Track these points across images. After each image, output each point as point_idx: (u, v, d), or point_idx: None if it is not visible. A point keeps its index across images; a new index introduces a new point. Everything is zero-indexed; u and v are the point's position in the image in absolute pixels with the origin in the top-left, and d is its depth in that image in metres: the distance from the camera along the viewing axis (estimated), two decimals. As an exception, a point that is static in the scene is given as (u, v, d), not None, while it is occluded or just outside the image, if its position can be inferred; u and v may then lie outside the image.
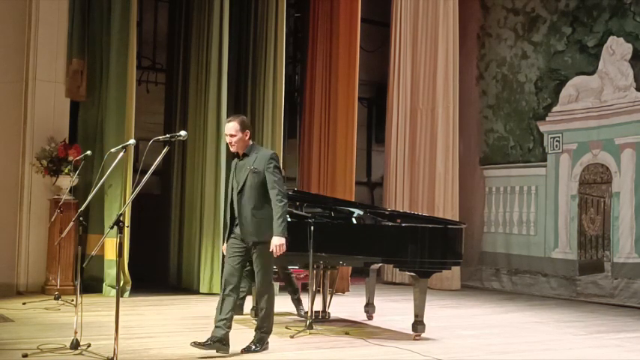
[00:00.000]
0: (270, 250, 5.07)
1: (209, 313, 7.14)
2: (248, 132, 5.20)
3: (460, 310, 8.53)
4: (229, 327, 5.13)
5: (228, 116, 9.15)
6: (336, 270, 7.53)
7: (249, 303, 7.00)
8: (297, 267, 7.49)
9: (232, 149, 5.27)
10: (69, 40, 8.65)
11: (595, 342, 6.43)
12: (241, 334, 6.20)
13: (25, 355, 4.82)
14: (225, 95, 9.03)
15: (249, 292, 7.14)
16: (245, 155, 5.23)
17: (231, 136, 5.16)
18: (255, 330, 5.35)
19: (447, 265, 6.44)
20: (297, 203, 7.15)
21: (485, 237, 11.20)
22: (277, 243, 5.05)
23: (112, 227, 4.26)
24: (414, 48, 11.14)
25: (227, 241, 5.30)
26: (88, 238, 8.39)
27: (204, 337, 5.65)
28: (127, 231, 8.07)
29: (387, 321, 7.12)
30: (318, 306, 6.90)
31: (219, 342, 5.07)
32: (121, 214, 4.29)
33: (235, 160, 5.32)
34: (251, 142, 5.26)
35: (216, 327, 5.11)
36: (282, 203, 5.08)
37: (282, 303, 7.96)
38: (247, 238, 5.17)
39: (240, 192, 5.18)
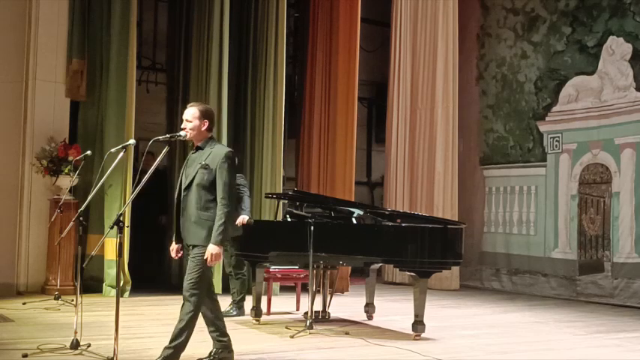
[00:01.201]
0: (205, 257, 4.52)
1: (209, 313, 7.15)
2: (207, 122, 4.70)
3: (460, 310, 8.53)
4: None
5: (228, 117, 9.19)
6: (336, 270, 7.53)
7: (249, 304, 7.00)
8: (297, 267, 7.51)
9: (184, 136, 4.77)
10: (69, 40, 8.65)
11: (595, 342, 6.43)
12: (242, 334, 6.21)
13: (25, 355, 4.82)
14: (226, 95, 9.03)
15: (248, 293, 7.15)
16: (199, 149, 4.72)
17: (187, 121, 4.69)
18: (165, 348, 4.60)
19: (447, 265, 6.44)
20: (297, 203, 7.15)
21: (485, 237, 11.20)
22: (213, 252, 4.48)
23: (112, 227, 4.25)
24: (414, 48, 11.14)
25: (181, 251, 4.82)
26: (88, 238, 8.40)
27: (204, 337, 5.65)
28: (126, 231, 8.08)
29: (387, 321, 7.13)
30: (318, 306, 6.90)
31: (222, 351, 4.92)
32: (121, 214, 4.28)
33: (190, 153, 4.84)
34: (210, 136, 4.75)
35: (213, 339, 4.90)
36: (227, 209, 4.53)
37: (282, 303, 7.97)
38: (188, 239, 4.66)
39: (188, 188, 4.66)
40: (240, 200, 7.06)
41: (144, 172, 4.74)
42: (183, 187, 4.69)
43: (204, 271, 4.58)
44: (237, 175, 7.64)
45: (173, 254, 4.84)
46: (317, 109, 10.19)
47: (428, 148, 10.93)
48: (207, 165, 4.59)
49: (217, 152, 4.64)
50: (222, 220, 4.50)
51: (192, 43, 9.40)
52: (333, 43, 10.11)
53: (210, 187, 4.59)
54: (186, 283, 4.56)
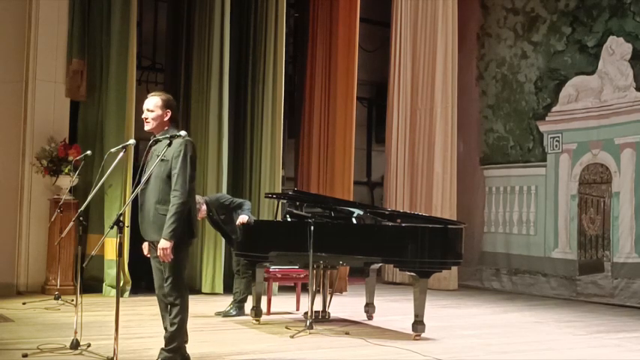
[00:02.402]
0: (157, 254, 4.33)
1: (210, 314, 7.15)
2: (169, 112, 4.51)
3: (460, 310, 8.53)
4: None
5: (229, 117, 9.20)
6: (336, 270, 7.52)
7: (249, 304, 7.00)
8: (297, 267, 7.50)
9: (146, 127, 4.54)
10: (69, 40, 8.65)
11: (595, 342, 6.43)
12: (242, 334, 6.21)
13: (25, 355, 4.82)
14: (227, 95, 9.04)
15: (249, 293, 7.15)
16: (158, 140, 4.48)
17: (149, 110, 4.49)
18: (161, 350, 4.48)
19: (447, 265, 6.44)
20: (297, 203, 7.15)
21: (486, 237, 11.20)
22: (162, 246, 4.26)
23: (112, 227, 4.22)
24: (414, 48, 11.14)
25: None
26: (88, 238, 8.40)
27: (203, 338, 5.66)
28: (126, 231, 8.07)
29: (387, 321, 7.12)
30: (318, 306, 6.90)
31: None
32: (121, 214, 4.27)
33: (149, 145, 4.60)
34: (171, 126, 4.54)
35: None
36: (180, 201, 4.28)
37: (282, 303, 7.97)
38: (148, 236, 4.46)
39: (147, 182, 4.42)
40: (240, 207, 7.08)
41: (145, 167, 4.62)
42: (142, 180, 4.44)
43: (179, 268, 4.41)
44: (217, 195, 7.69)
45: (145, 252, 4.63)
46: (317, 109, 10.19)
47: (428, 148, 10.93)
48: (164, 156, 4.37)
49: (175, 142, 4.39)
50: (173, 213, 4.27)
51: (193, 42, 9.40)
52: (332, 43, 10.11)
53: (168, 178, 4.37)
54: (165, 289, 4.41)
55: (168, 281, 4.40)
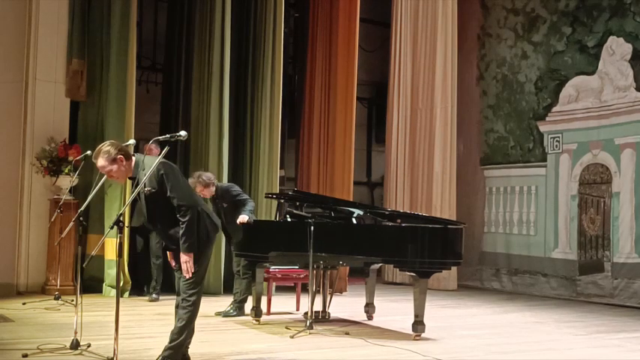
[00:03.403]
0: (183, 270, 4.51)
1: (210, 314, 7.15)
2: (120, 156, 4.41)
3: (460, 310, 8.53)
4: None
5: (230, 116, 9.19)
6: (336, 270, 7.52)
7: (249, 304, 7.00)
8: (297, 267, 7.50)
9: (119, 182, 4.64)
10: (69, 40, 8.65)
11: (595, 342, 6.43)
12: (242, 334, 6.21)
13: (25, 355, 4.82)
14: (228, 95, 9.03)
15: (249, 293, 7.15)
16: (134, 178, 4.51)
17: (109, 172, 4.45)
18: (165, 347, 4.54)
19: (447, 265, 6.45)
20: (297, 203, 7.15)
21: (486, 237, 11.20)
22: (183, 260, 4.43)
23: (112, 227, 4.22)
24: (414, 48, 11.14)
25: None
26: (88, 238, 8.40)
27: (205, 337, 5.66)
28: (126, 231, 8.08)
29: (387, 321, 7.12)
30: (318, 306, 6.90)
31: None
32: (121, 214, 4.27)
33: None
34: (133, 160, 4.49)
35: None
36: (186, 219, 4.39)
37: (282, 303, 7.97)
38: (174, 249, 4.64)
39: (150, 220, 4.62)
40: (244, 204, 7.07)
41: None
42: (145, 221, 4.61)
43: (198, 271, 4.52)
44: (229, 184, 7.70)
45: (173, 264, 4.75)
46: (317, 109, 10.19)
47: (428, 149, 10.93)
48: (149, 190, 4.42)
49: (147, 171, 4.38)
50: (184, 231, 4.39)
51: (193, 42, 9.39)
52: (332, 43, 10.12)
53: (167, 205, 4.44)
54: (182, 286, 4.52)
55: (186, 279, 4.48)
